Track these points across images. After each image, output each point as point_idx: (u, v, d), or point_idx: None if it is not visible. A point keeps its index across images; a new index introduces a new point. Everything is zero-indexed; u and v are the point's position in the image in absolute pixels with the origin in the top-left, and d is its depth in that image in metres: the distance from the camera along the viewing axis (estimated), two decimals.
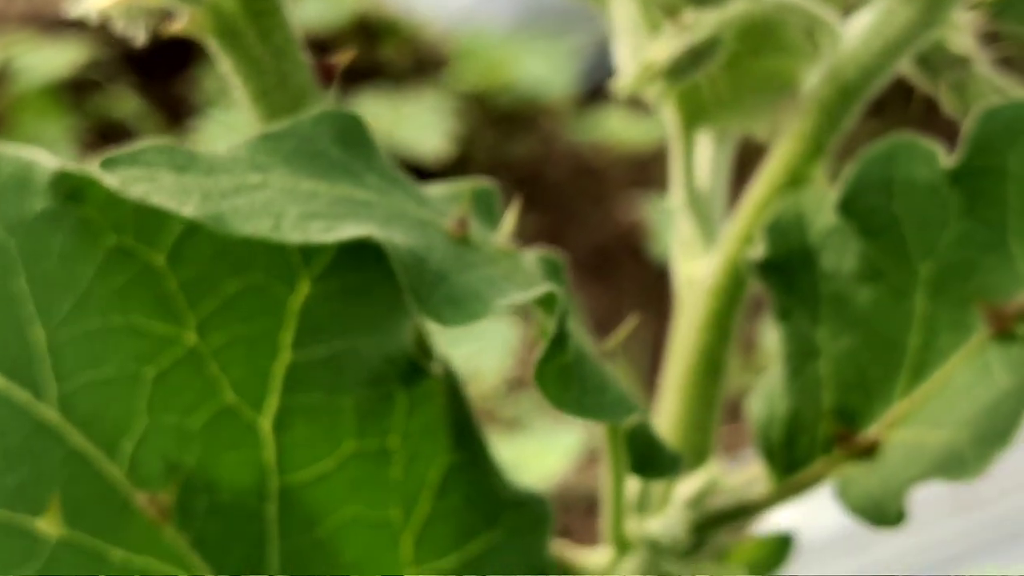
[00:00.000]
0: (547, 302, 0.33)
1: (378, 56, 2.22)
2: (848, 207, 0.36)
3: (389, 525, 0.37)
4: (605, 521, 0.40)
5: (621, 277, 1.82)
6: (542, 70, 2.04)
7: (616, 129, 1.97)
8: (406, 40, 2.20)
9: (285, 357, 0.36)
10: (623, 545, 0.40)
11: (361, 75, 2.21)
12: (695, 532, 0.40)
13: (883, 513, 0.35)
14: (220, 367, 0.35)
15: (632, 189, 1.92)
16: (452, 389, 0.38)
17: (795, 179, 0.38)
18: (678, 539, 0.40)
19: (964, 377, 0.35)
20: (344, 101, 0.39)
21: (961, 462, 0.33)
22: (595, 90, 1.95)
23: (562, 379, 0.33)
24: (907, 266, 0.36)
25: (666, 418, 0.41)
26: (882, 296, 0.36)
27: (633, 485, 0.40)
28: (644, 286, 1.76)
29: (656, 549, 0.40)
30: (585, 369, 0.34)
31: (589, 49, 1.95)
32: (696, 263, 0.41)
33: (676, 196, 0.41)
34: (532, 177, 1.97)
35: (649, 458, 0.35)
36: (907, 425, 0.36)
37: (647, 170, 1.91)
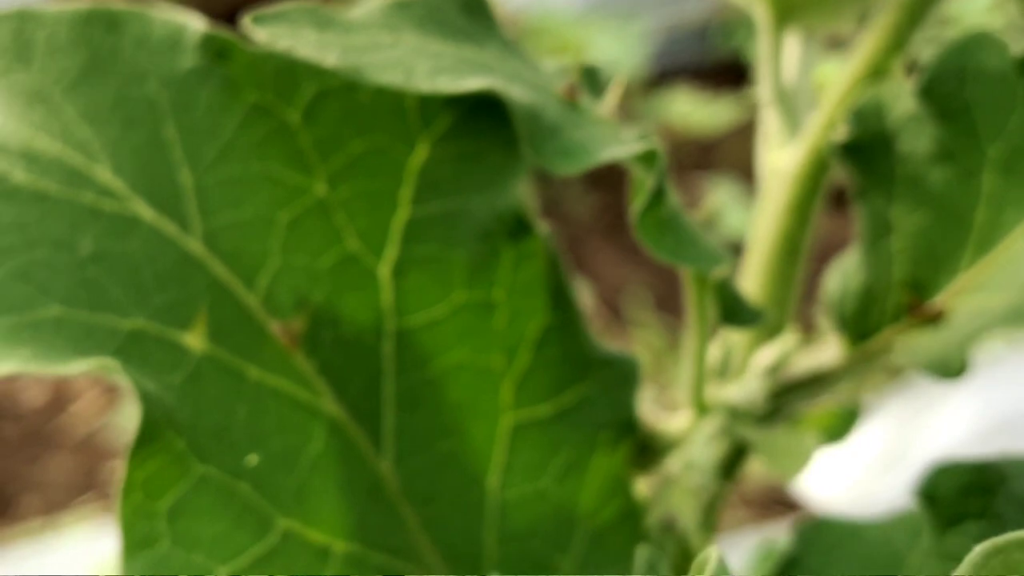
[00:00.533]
0: (647, 158, 0.36)
1: None
2: (925, 93, 0.39)
3: (492, 371, 0.41)
4: (685, 386, 0.44)
5: None
6: (612, 51, 2.06)
7: (683, 112, 1.99)
8: None
9: (404, 212, 0.40)
10: (702, 409, 0.43)
11: None
12: (771, 399, 0.43)
13: (947, 367, 0.38)
14: (346, 217, 0.39)
15: (698, 171, 1.94)
16: (552, 252, 0.41)
17: (876, 71, 0.42)
18: (755, 405, 0.43)
19: (1022, 244, 0.38)
20: None
21: (1021, 316, 0.36)
22: (664, 73, 1.97)
23: (660, 229, 0.37)
24: (977, 147, 0.39)
25: (750, 295, 0.45)
26: (952, 176, 0.40)
27: (714, 352, 0.43)
28: None
29: (734, 414, 0.43)
30: (680, 222, 0.37)
31: (659, 33, 1.98)
32: (781, 153, 0.44)
33: (764, 91, 0.45)
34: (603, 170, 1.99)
35: (734, 309, 0.39)
36: (972, 292, 0.39)
37: (713, 153, 1.94)
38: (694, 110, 1.99)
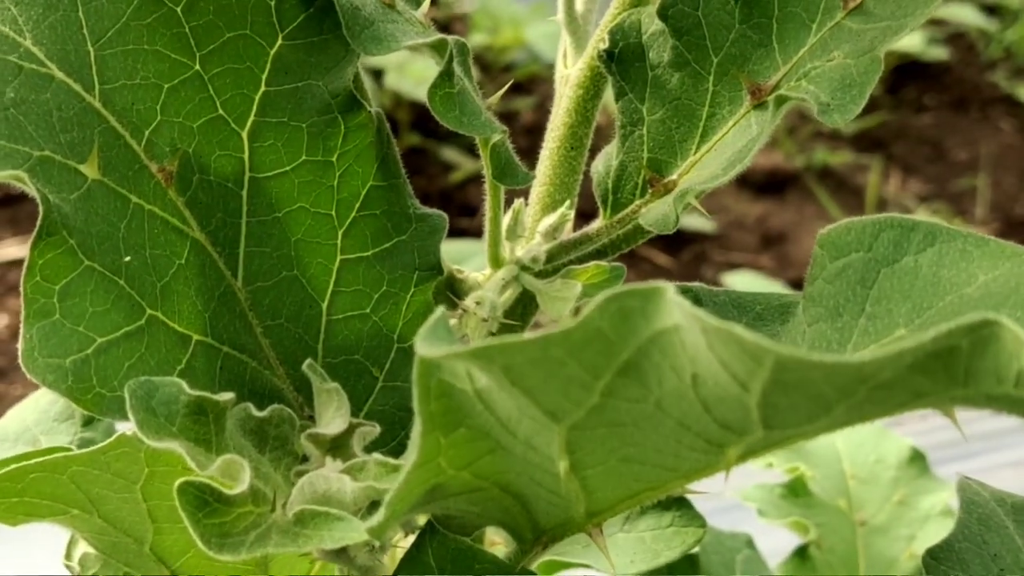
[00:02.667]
0: (439, 47, 0.48)
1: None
2: (667, 12, 0.51)
3: (328, 219, 0.52)
4: (485, 245, 0.55)
5: None
6: (551, 35, 2.17)
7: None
8: None
9: (261, 88, 0.51)
10: (497, 263, 0.55)
11: None
12: (550, 257, 0.55)
13: (666, 223, 0.49)
14: (217, 88, 0.50)
15: None
16: (381, 128, 0.53)
17: (639, 2, 0.53)
18: (537, 260, 0.54)
19: (733, 135, 0.50)
20: None
21: (716, 177, 0.48)
22: None
23: (448, 103, 0.48)
24: (704, 57, 0.51)
25: (540, 180, 0.56)
26: (687, 79, 0.51)
27: (506, 219, 0.55)
28: None
29: (521, 267, 0.55)
30: (466, 98, 0.49)
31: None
32: (570, 65, 0.56)
33: (560, 17, 0.56)
34: (536, 130, 2.11)
35: (506, 169, 0.50)
36: (695, 171, 0.51)
37: None
38: None
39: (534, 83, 2.35)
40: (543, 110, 2.07)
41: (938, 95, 2.71)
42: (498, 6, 2.25)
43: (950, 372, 0.34)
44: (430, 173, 2.26)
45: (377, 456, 0.45)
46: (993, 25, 2.84)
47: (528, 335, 0.36)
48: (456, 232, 2.04)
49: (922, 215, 2.36)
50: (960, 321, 0.33)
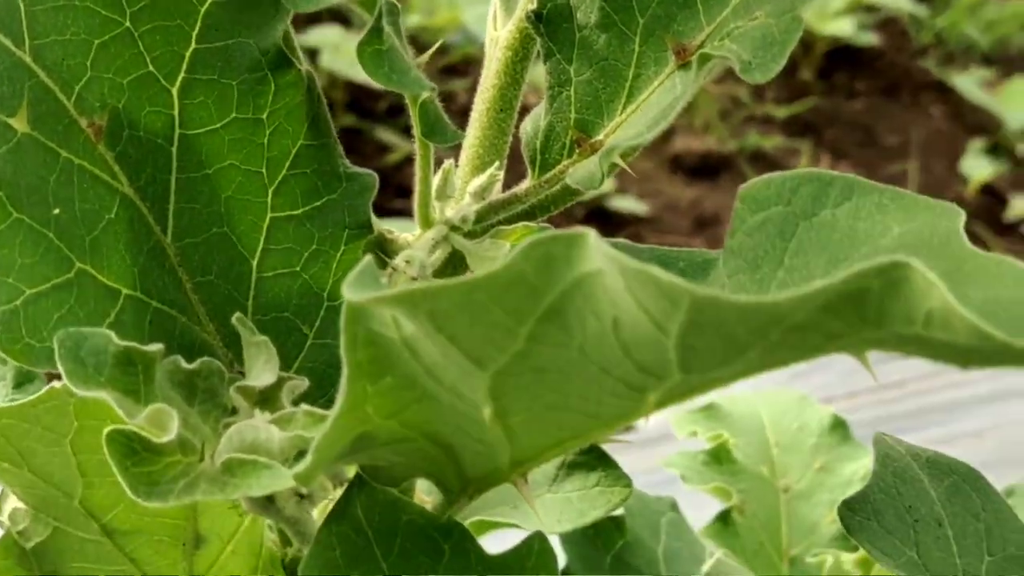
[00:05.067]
0: (368, 3, 0.48)
1: None
2: None
3: (258, 176, 0.53)
4: (416, 205, 0.56)
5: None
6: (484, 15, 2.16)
7: None
8: None
9: (191, 45, 0.51)
10: (427, 223, 0.55)
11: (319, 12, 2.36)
12: (479, 217, 0.55)
13: (592, 181, 0.50)
14: (147, 45, 0.51)
15: None
16: (311, 87, 0.53)
17: None
18: (467, 220, 0.55)
19: (658, 95, 0.51)
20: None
21: (640, 135, 0.49)
22: None
23: (377, 59, 0.49)
24: (631, 19, 0.52)
25: (469, 141, 0.57)
26: (614, 40, 0.52)
27: (436, 179, 0.56)
28: None
29: (451, 227, 0.55)
30: (395, 55, 0.49)
31: None
32: (500, 29, 0.57)
33: None
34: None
35: (434, 127, 0.51)
36: (621, 130, 0.52)
37: None
38: None
39: (470, 65, 2.36)
40: None
41: (870, 80, 2.74)
42: None
43: (862, 313, 0.35)
44: (365, 153, 2.26)
45: (305, 407, 0.46)
46: (924, 11, 2.88)
47: (453, 279, 0.37)
48: (392, 212, 2.04)
49: None
50: (872, 263, 0.34)
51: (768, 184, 0.45)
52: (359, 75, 2.39)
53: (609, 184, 2.34)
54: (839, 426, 0.84)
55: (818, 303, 0.35)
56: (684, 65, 0.50)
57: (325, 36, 2.38)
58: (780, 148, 2.49)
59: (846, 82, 2.69)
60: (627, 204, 2.34)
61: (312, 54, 2.28)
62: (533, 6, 0.54)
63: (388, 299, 0.38)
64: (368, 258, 0.40)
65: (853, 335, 0.36)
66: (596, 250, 0.36)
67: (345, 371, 0.40)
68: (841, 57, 2.72)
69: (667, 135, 2.49)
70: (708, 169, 2.42)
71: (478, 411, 0.41)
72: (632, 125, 0.51)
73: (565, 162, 0.54)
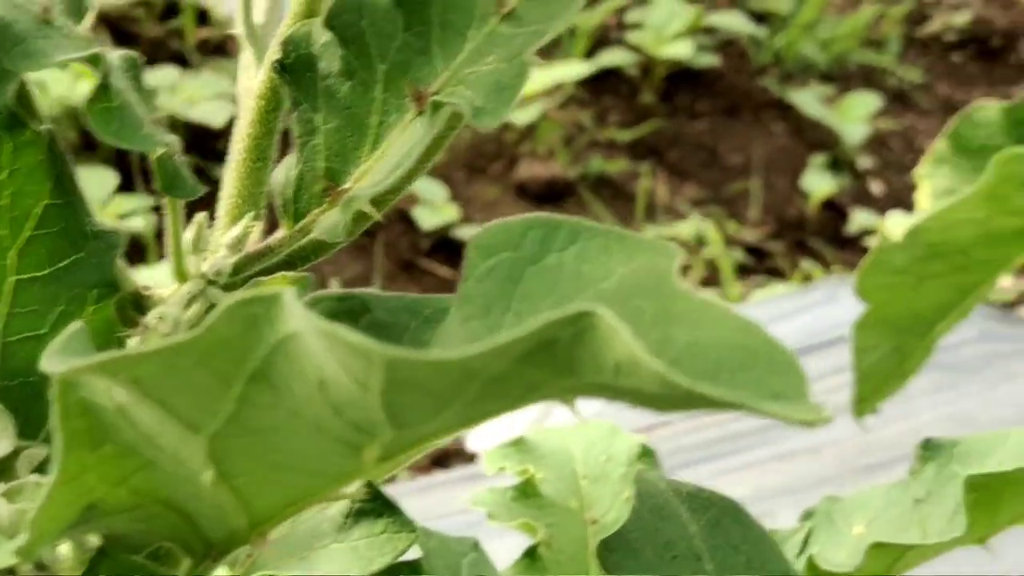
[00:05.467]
0: (95, 60, 0.47)
1: (173, 35, 2.35)
2: (332, 23, 0.51)
3: (1, 240, 0.51)
4: (169, 259, 0.55)
5: None
6: None
7: None
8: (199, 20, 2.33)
9: None
10: (183, 277, 0.54)
11: (157, 52, 2.34)
12: (236, 269, 0.55)
13: (337, 231, 0.50)
14: None
15: None
16: (53, 145, 0.52)
17: (311, 14, 0.54)
18: (222, 273, 0.54)
19: (401, 140, 0.51)
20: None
21: (379, 183, 0.48)
22: None
23: (106, 117, 0.48)
24: (371, 66, 0.51)
25: (226, 192, 0.56)
26: (356, 89, 0.52)
27: (190, 231, 0.55)
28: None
29: (207, 281, 0.54)
30: (126, 113, 0.48)
31: None
32: (252, 79, 0.56)
33: (239, 30, 0.56)
34: None
35: (174, 181, 0.50)
36: (367, 177, 0.52)
37: None
38: None
39: None
40: None
41: (711, 101, 2.77)
42: None
43: (555, 363, 0.35)
44: (207, 194, 2.24)
45: (35, 477, 0.44)
46: (763, 32, 2.92)
47: (156, 343, 0.36)
48: None
49: (695, 219, 2.42)
50: (559, 313, 0.34)
51: (498, 231, 0.44)
52: (199, 115, 2.37)
53: (454, 213, 2.34)
54: (647, 455, 0.84)
55: (513, 355, 0.34)
56: (422, 112, 0.50)
57: (164, 76, 2.35)
58: (624, 172, 2.51)
59: (688, 104, 2.72)
60: (473, 233, 2.34)
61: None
62: (278, 56, 0.53)
63: (88, 368, 0.37)
64: (78, 324, 0.39)
65: (552, 384, 0.36)
66: (292, 312, 0.35)
67: (60, 442, 0.39)
68: (682, 79, 2.75)
69: (512, 162, 2.49)
70: (554, 195, 2.43)
71: (201, 475, 0.41)
72: (376, 172, 0.51)
73: (315, 211, 0.53)
